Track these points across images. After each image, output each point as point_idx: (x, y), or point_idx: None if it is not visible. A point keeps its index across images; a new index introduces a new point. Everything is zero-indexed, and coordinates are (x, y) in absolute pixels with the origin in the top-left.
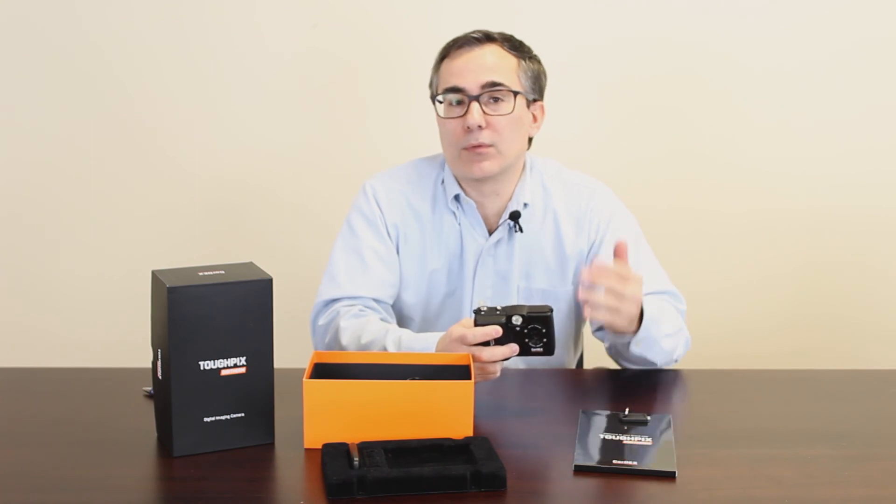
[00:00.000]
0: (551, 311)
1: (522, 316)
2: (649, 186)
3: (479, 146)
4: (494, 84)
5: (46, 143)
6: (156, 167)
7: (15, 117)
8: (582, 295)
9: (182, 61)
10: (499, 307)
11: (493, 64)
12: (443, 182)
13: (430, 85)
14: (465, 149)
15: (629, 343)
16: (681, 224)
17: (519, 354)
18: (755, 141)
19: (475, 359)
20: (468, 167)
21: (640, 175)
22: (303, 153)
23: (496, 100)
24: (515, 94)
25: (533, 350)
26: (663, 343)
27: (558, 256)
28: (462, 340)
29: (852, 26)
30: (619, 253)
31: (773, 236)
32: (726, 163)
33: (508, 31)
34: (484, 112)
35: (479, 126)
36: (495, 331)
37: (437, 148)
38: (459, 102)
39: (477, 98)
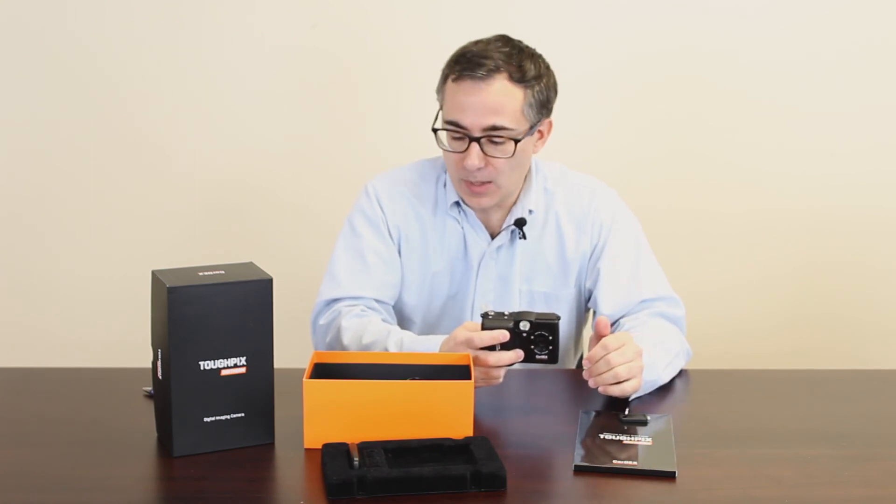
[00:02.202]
0: (558, 318)
1: (531, 322)
2: (649, 186)
3: (478, 183)
4: (496, 128)
5: (46, 144)
6: (156, 167)
7: (15, 117)
8: (584, 375)
9: (182, 61)
10: (506, 312)
11: (496, 104)
12: (445, 185)
13: (437, 92)
14: (465, 180)
15: None
16: (681, 224)
17: (523, 361)
18: (755, 141)
19: (481, 363)
20: (468, 198)
21: (640, 175)
22: (303, 153)
23: (497, 143)
24: (517, 141)
25: (538, 357)
26: (664, 378)
27: (560, 260)
28: (469, 344)
29: (853, 26)
30: (600, 329)
31: (773, 236)
32: (726, 163)
33: (507, 32)
34: (483, 153)
35: (479, 168)
36: (503, 335)
37: (436, 148)
38: (460, 138)
39: (478, 140)
